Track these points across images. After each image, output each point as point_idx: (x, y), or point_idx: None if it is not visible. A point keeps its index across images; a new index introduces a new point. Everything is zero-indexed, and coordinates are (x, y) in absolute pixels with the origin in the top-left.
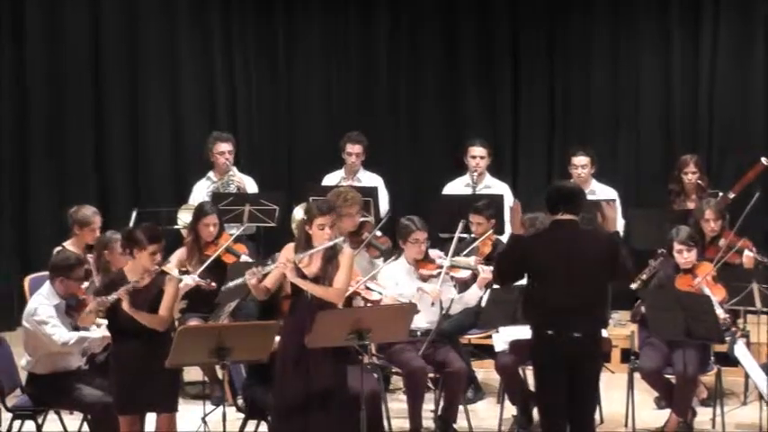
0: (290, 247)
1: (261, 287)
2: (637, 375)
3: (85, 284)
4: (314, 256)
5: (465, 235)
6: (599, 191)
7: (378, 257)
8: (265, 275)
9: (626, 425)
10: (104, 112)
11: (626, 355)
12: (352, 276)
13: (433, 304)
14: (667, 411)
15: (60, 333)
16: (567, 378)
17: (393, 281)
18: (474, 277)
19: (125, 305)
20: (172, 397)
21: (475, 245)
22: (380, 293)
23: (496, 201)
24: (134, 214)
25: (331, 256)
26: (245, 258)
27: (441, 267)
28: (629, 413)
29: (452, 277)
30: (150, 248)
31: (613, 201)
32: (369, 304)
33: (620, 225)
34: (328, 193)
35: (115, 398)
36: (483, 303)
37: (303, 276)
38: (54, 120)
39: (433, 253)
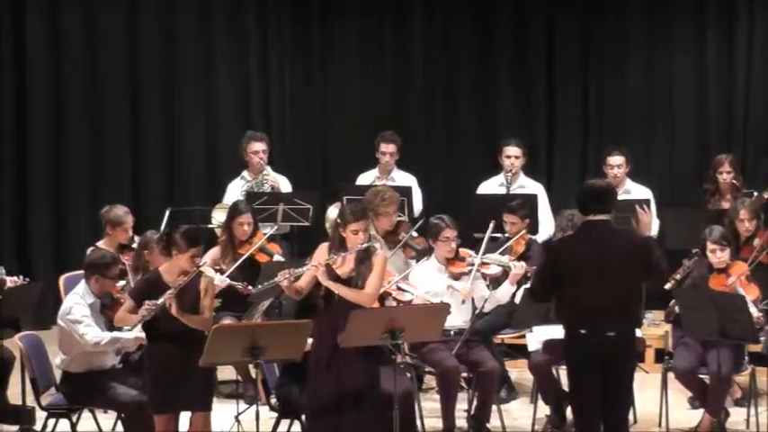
0: (323, 247)
1: (294, 287)
2: (670, 375)
3: (121, 283)
4: (347, 257)
5: (498, 235)
6: (634, 190)
7: (413, 258)
8: (297, 278)
9: (659, 425)
10: (140, 113)
11: (660, 355)
12: (384, 277)
13: (463, 302)
14: (701, 411)
15: (93, 333)
16: (601, 378)
17: (424, 280)
18: (506, 274)
19: (174, 310)
20: (206, 396)
21: (509, 244)
22: (412, 294)
23: (531, 200)
24: (167, 213)
25: (364, 257)
26: (278, 258)
27: (471, 265)
28: (663, 413)
29: (484, 274)
30: (190, 252)
31: (647, 204)
32: (401, 305)
33: (654, 225)
34: (365, 193)
35: (150, 397)
36: (516, 301)
37: (336, 277)
38: (90, 121)
39: (464, 251)
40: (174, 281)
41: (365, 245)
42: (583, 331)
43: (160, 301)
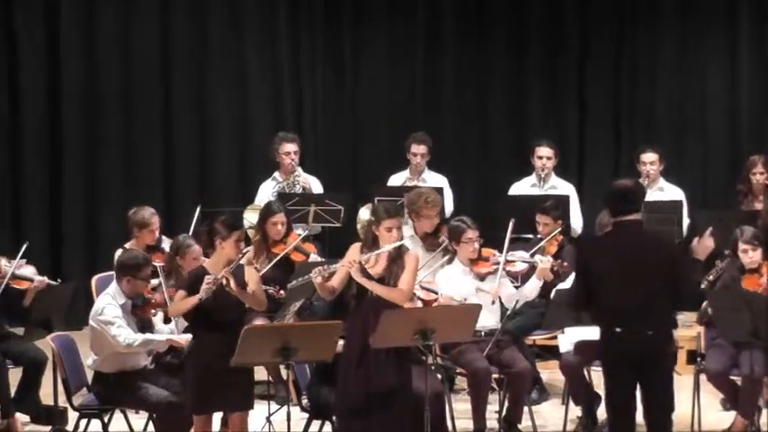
0: (355, 246)
1: (327, 286)
2: (703, 377)
3: (153, 282)
4: (379, 256)
5: (530, 235)
6: (668, 189)
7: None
8: (331, 275)
9: (692, 426)
10: (173, 114)
11: (692, 357)
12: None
13: (493, 302)
14: (733, 413)
15: (125, 335)
16: (638, 378)
17: (450, 283)
18: (532, 269)
19: (232, 284)
20: (247, 396)
21: (541, 244)
22: (437, 293)
23: (563, 202)
24: (196, 214)
25: (396, 256)
26: (314, 258)
27: (496, 264)
28: (695, 415)
29: (509, 272)
30: (234, 236)
31: (680, 206)
32: (427, 304)
33: (685, 226)
34: (396, 194)
35: (191, 397)
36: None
37: (368, 277)
38: (123, 122)
39: (487, 251)
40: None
41: (397, 243)
42: (618, 329)
43: (219, 275)
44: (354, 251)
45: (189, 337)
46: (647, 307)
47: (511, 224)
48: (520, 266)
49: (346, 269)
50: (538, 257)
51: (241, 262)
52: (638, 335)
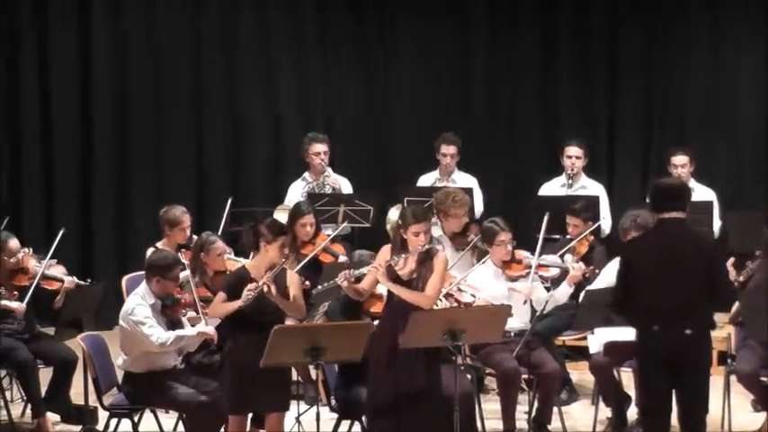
0: (386, 248)
1: (358, 288)
2: (733, 378)
3: (182, 276)
4: (408, 258)
5: (557, 236)
6: (698, 190)
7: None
8: (357, 279)
9: (722, 427)
10: (202, 114)
11: (723, 358)
12: (445, 279)
13: (525, 302)
14: (764, 415)
15: (158, 334)
16: (675, 378)
17: (482, 285)
18: (564, 274)
19: (273, 292)
20: (285, 396)
21: (572, 245)
22: (473, 296)
23: (593, 203)
24: (225, 214)
25: (425, 258)
26: (342, 259)
27: (529, 267)
28: (726, 416)
29: (541, 276)
30: (278, 241)
31: (710, 206)
32: (461, 306)
33: (716, 227)
34: (426, 194)
35: (228, 397)
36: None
37: (397, 278)
38: (153, 121)
39: (520, 254)
40: (261, 275)
41: (426, 246)
42: (656, 328)
43: (261, 283)
44: (385, 253)
45: (212, 329)
46: (686, 306)
47: (545, 219)
48: (553, 272)
49: (374, 272)
50: (570, 264)
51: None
52: (676, 334)
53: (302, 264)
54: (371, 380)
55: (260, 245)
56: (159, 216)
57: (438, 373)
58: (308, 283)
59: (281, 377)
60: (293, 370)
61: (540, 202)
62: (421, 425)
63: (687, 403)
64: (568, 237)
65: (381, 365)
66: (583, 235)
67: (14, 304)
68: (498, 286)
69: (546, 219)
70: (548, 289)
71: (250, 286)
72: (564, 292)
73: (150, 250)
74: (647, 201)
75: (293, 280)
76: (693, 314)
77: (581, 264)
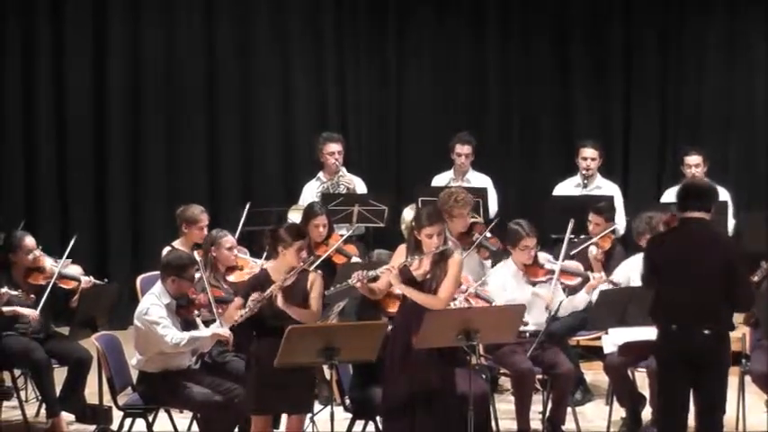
0: (402, 249)
1: (373, 287)
2: (747, 378)
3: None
4: (423, 259)
5: (573, 237)
6: None
7: (488, 258)
8: (371, 280)
9: (737, 428)
10: (217, 114)
11: (737, 358)
12: (459, 282)
13: (547, 308)
14: None
15: (172, 334)
16: (693, 378)
17: (502, 286)
18: (585, 282)
19: (279, 301)
20: (308, 398)
21: (594, 240)
22: (490, 302)
23: (611, 202)
24: (244, 214)
25: (440, 259)
26: (355, 259)
27: (551, 273)
28: (740, 416)
29: (563, 283)
30: (297, 245)
31: (725, 206)
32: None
33: (730, 227)
34: (439, 194)
35: (251, 397)
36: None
37: (411, 279)
38: (167, 122)
39: (542, 256)
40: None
41: (441, 248)
42: (674, 327)
43: (267, 293)
44: (401, 253)
45: (227, 331)
46: (705, 306)
47: (570, 225)
48: (576, 281)
49: (387, 275)
50: (591, 274)
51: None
52: (694, 334)
53: (315, 265)
54: (386, 381)
55: (278, 249)
56: (177, 215)
57: (452, 373)
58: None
59: (305, 378)
60: (317, 371)
61: (555, 201)
62: (435, 426)
63: (704, 403)
64: (583, 237)
65: (395, 366)
66: (602, 234)
67: (28, 311)
68: (519, 289)
69: (570, 225)
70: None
71: (254, 296)
72: (582, 299)
73: (166, 249)
74: (661, 201)
75: (315, 282)
76: (712, 314)
77: (602, 274)
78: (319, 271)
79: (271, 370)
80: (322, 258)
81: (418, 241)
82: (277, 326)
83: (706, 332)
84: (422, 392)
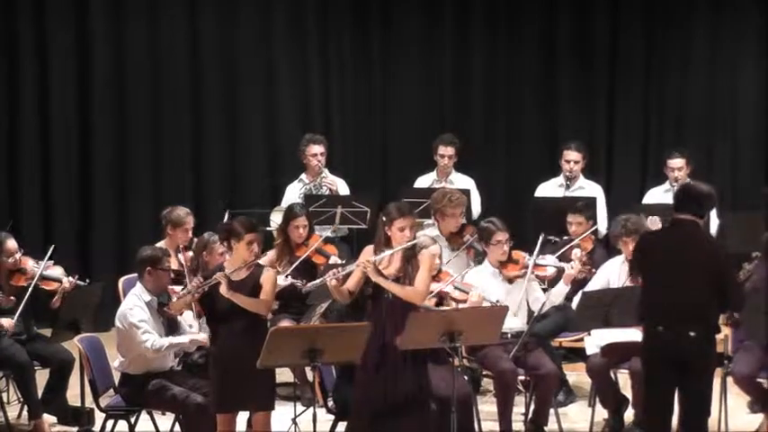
0: (369, 249)
1: (342, 290)
2: (730, 380)
3: (179, 288)
4: (393, 256)
5: (555, 238)
6: None
7: (474, 258)
8: (346, 277)
9: (719, 429)
10: (202, 115)
11: (720, 359)
12: (436, 278)
13: (521, 300)
14: (761, 416)
15: (152, 340)
16: (678, 380)
17: (480, 284)
18: (561, 274)
19: (223, 288)
20: (269, 395)
21: (575, 242)
22: (467, 293)
23: (592, 203)
24: (225, 216)
25: (410, 255)
26: (334, 260)
27: (526, 267)
28: (723, 418)
29: (538, 276)
30: (247, 237)
31: None
32: (460, 305)
33: (713, 228)
34: (423, 195)
35: (214, 396)
36: (574, 304)
37: (383, 277)
38: (152, 123)
39: (517, 253)
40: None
41: (411, 242)
42: (660, 328)
43: (211, 279)
44: (368, 253)
45: (204, 336)
46: (692, 308)
47: (541, 238)
48: (550, 271)
49: (361, 270)
50: (566, 264)
51: (260, 262)
52: (680, 335)
53: (294, 265)
54: (360, 384)
55: (231, 242)
56: (162, 216)
57: (426, 374)
58: (303, 280)
59: (265, 377)
60: (284, 371)
61: (537, 203)
62: (408, 428)
63: (689, 405)
64: (566, 238)
65: (370, 368)
66: (584, 235)
67: (4, 320)
68: (496, 287)
69: (541, 237)
70: (545, 290)
71: (198, 279)
72: (560, 290)
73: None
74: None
75: (267, 279)
76: (698, 316)
77: (577, 263)
78: (275, 269)
79: (229, 368)
80: (300, 259)
81: (387, 237)
82: (231, 318)
83: (692, 334)
84: (397, 393)
